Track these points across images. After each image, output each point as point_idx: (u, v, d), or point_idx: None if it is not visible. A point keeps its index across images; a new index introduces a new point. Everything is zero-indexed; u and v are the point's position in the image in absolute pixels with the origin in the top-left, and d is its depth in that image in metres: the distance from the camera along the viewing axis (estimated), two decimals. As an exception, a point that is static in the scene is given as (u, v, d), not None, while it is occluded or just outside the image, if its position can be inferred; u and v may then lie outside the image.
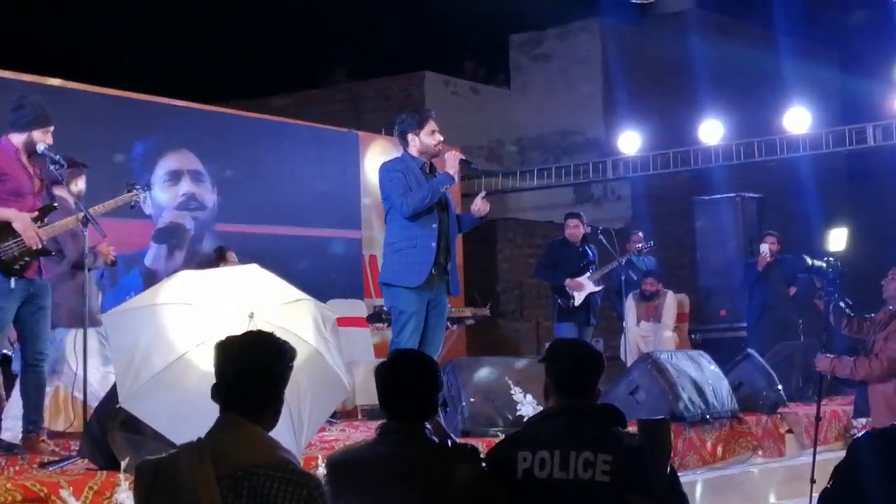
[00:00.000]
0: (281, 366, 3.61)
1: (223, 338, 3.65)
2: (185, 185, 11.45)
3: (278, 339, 3.65)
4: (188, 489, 3.31)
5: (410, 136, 7.66)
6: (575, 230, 11.69)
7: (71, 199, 7.53)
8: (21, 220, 6.70)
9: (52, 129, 6.97)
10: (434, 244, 7.52)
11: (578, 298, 11.38)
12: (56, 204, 7.02)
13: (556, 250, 11.91)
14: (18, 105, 6.94)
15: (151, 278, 9.98)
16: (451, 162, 7.66)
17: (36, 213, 6.83)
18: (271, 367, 3.59)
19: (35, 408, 7.01)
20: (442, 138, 7.74)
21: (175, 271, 7.83)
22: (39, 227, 6.79)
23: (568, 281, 11.40)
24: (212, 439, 3.44)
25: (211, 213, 11.65)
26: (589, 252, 11.72)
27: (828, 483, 3.75)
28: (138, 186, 7.57)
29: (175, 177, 11.40)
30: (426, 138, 7.63)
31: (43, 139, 6.87)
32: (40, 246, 6.78)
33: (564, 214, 12.18)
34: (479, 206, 7.73)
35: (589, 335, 11.50)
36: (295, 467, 3.47)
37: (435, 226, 7.55)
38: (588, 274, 11.51)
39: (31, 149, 6.90)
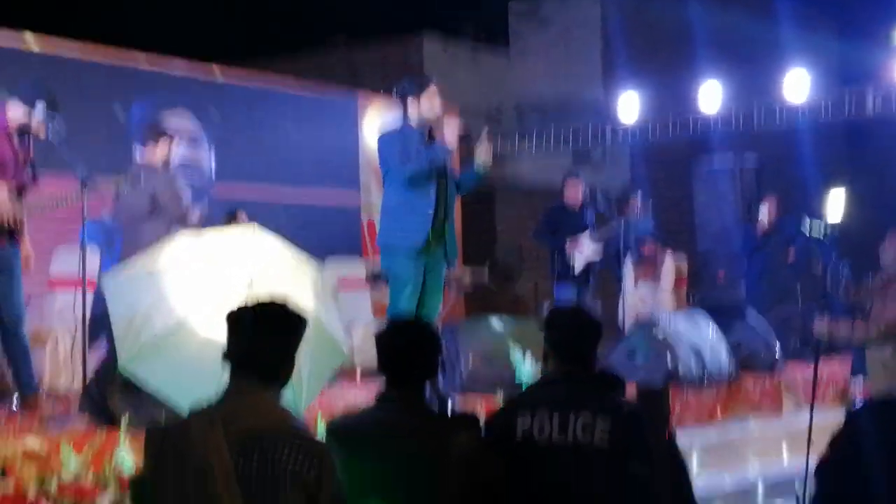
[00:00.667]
0: (296, 337, 3.61)
1: (227, 304, 3.65)
2: (182, 150, 11.36)
3: (292, 311, 3.65)
4: (198, 453, 3.31)
5: (410, 100, 7.64)
6: (574, 190, 11.61)
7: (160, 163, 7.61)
8: None
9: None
10: (431, 211, 7.51)
11: (579, 261, 11.32)
12: (38, 180, 6.99)
13: (555, 216, 11.86)
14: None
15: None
16: (451, 130, 7.61)
17: (14, 188, 6.82)
18: (287, 339, 3.59)
19: (26, 370, 7.05)
20: (440, 106, 7.71)
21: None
22: (17, 202, 6.78)
23: (569, 242, 11.35)
24: (222, 405, 3.45)
25: (208, 176, 11.59)
26: (587, 217, 11.68)
27: (824, 453, 3.74)
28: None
29: (171, 140, 11.29)
30: (426, 105, 7.61)
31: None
32: (11, 223, 6.78)
33: (564, 175, 12.11)
34: (483, 151, 7.69)
35: (588, 296, 11.49)
36: (306, 434, 3.49)
37: (433, 192, 7.54)
38: (588, 237, 11.45)
39: (23, 125, 6.89)
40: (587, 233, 11.43)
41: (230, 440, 3.33)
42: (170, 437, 3.43)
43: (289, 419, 3.48)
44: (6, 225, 6.74)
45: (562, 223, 11.58)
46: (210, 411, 3.42)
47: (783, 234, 12.55)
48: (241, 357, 3.53)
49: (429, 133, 7.69)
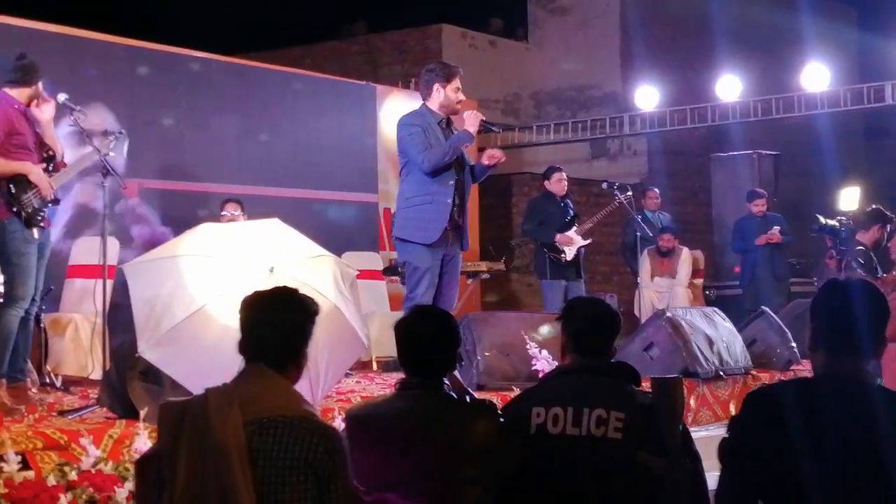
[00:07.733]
0: (302, 320, 3.67)
1: (248, 292, 3.71)
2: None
3: (302, 294, 3.71)
4: (216, 431, 3.36)
5: (436, 87, 7.58)
6: (561, 184, 11.62)
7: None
8: (36, 173, 6.78)
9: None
10: (450, 201, 7.47)
11: (570, 253, 11.19)
12: (52, 153, 7.06)
13: (541, 206, 11.77)
14: (22, 61, 6.96)
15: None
16: (471, 120, 7.60)
17: (44, 165, 6.91)
18: (294, 321, 3.65)
19: (24, 357, 7.06)
20: (464, 98, 7.71)
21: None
22: (49, 177, 6.88)
23: (558, 237, 11.24)
24: (238, 386, 3.50)
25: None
26: (570, 206, 11.62)
27: (726, 434, 3.70)
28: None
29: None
30: (451, 93, 7.55)
31: (39, 93, 6.95)
32: (53, 196, 6.89)
33: (548, 168, 12.06)
34: (489, 154, 7.68)
35: (581, 289, 11.40)
36: (319, 420, 3.55)
37: (452, 182, 7.50)
38: (575, 228, 11.40)
39: (30, 103, 6.96)
40: (574, 229, 11.34)
41: (247, 421, 3.39)
42: (188, 413, 3.46)
43: (303, 405, 3.53)
44: (49, 199, 6.84)
45: (548, 214, 11.52)
46: (228, 391, 3.47)
47: (770, 226, 12.47)
48: (255, 340, 3.59)
49: (447, 122, 7.69)
